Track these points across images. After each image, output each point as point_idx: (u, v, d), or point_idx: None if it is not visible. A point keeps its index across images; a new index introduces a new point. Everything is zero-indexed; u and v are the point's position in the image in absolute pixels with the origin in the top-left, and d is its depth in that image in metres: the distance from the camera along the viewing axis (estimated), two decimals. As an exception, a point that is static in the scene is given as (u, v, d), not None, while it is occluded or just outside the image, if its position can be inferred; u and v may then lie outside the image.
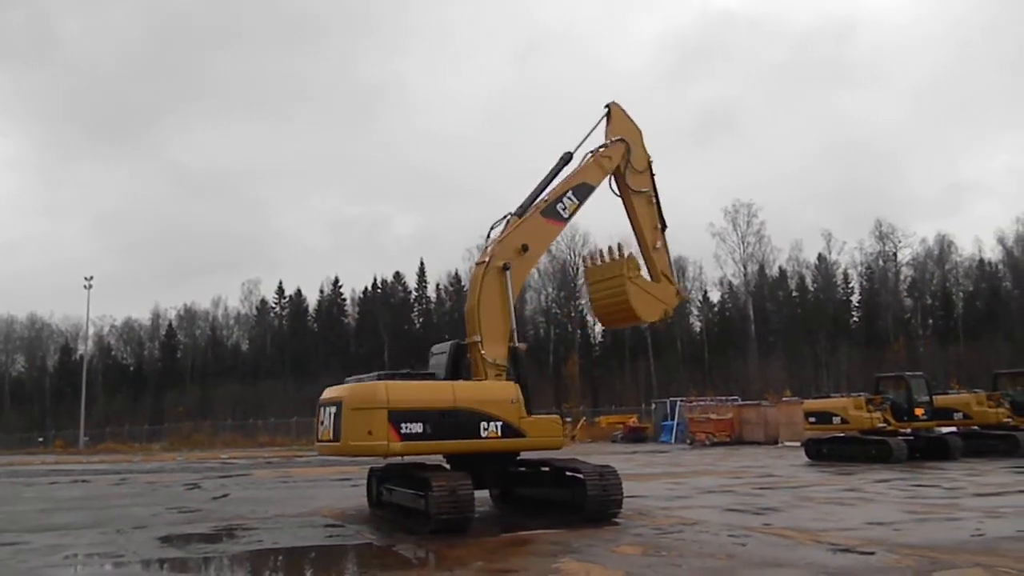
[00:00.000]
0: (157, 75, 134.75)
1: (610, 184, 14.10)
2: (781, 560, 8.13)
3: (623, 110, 14.44)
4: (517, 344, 12.31)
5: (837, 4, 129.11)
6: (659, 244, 14.15)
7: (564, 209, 13.24)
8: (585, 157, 13.81)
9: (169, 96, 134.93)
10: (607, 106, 14.37)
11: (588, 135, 14.06)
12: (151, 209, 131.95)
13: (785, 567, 7.76)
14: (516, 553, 9.07)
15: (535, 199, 13.23)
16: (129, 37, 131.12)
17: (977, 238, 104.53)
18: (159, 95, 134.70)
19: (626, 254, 13.86)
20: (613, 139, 14.04)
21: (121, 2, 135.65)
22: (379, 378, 11.57)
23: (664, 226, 14.32)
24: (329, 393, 12.18)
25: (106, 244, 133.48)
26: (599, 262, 14.13)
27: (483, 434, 11.17)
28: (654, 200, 14.33)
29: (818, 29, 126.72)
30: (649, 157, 14.41)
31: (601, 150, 13.92)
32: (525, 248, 12.72)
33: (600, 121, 14.31)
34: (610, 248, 14.05)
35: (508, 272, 12.44)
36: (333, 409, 11.44)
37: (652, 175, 14.41)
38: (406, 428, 10.85)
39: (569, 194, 13.31)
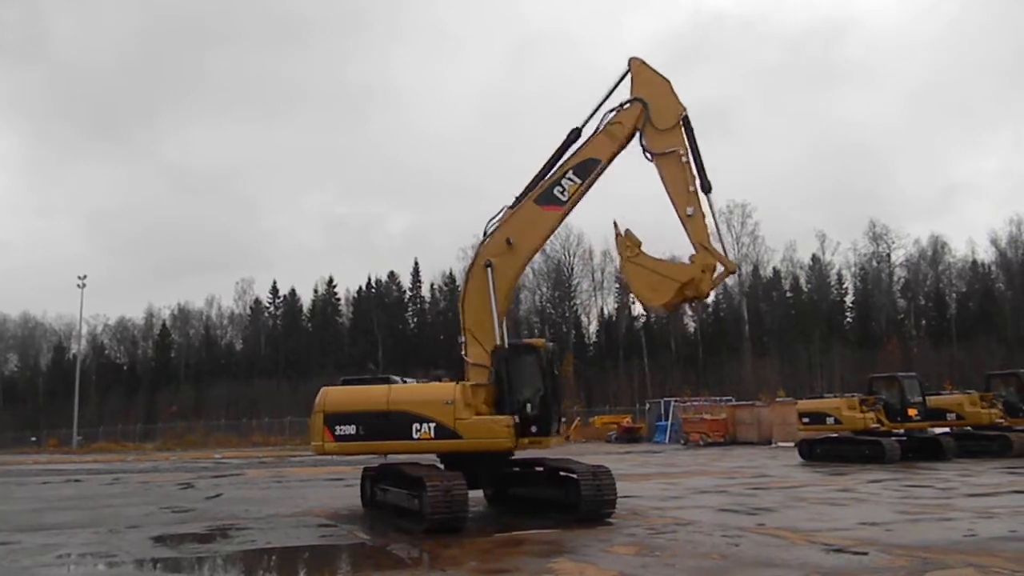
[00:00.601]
0: (150, 74, 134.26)
1: (643, 151, 12.40)
2: (775, 560, 8.15)
3: (645, 64, 12.70)
4: (499, 343, 12.00)
5: (829, 5, 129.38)
6: (691, 210, 11.82)
7: (563, 192, 12.32)
8: (596, 129, 12.59)
9: (163, 95, 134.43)
10: (629, 62, 12.77)
11: (603, 102, 12.70)
12: (145, 208, 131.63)
13: (779, 567, 7.78)
14: (510, 553, 9.07)
15: (535, 185, 12.53)
16: (122, 36, 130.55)
17: (970, 239, 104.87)
18: (152, 94, 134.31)
19: (623, 231, 12.24)
20: (627, 101, 12.54)
21: (114, 1, 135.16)
22: (343, 383, 12.94)
23: (707, 188, 12.06)
24: None
25: (100, 243, 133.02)
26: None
27: (415, 435, 11.51)
28: (685, 159, 12.13)
29: (811, 30, 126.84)
30: (681, 109, 12.38)
31: (611, 116, 12.55)
32: (508, 243, 12.32)
33: (619, 83, 12.73)
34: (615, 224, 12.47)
35: (490, 270, 12.23)
36: None
37: (685, 129, 12.31)
38: (340, 430, 11.94)
39: (570, 174, 12.34)
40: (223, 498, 16.91)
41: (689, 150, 12.15)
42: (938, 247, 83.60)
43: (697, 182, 11.98)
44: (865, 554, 8.41)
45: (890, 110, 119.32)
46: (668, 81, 12.52)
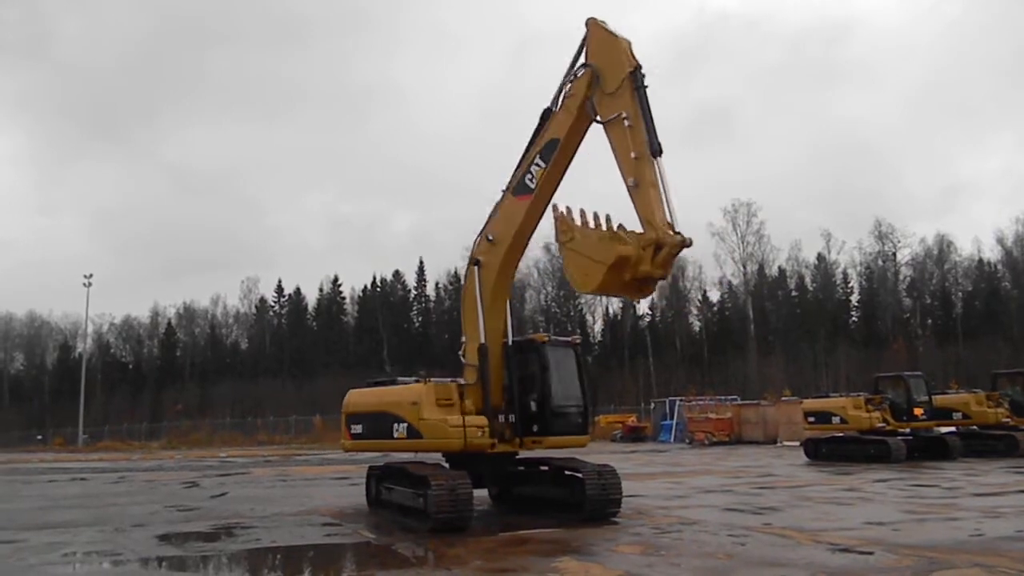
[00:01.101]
0: (153, 74, 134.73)
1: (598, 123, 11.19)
2: (780, 560, 8.12)
3: (600, 25, 11.47)
4: (483, 341, 11.95)
5: (832, 5, 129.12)
6: (632, 180, 10.30)
7: (532, 180, 11.67)
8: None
9: (166, 95, 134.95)
10: (586, 23, 11.64)
11: (567, 74, 11.73)
12: (150, 207, 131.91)
13: (785, 567, 7.75)
14: (515, 552, 9.05)
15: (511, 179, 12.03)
16: (125, 36, 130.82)
17: (976, 238, 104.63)
18: (156, 94, 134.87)
19: (564, 211, 11.12)
20: (579, 67, 11.54)
21: (117, 1, 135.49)
22: (367, 385, 13.64)
23: (656, 150, 10.34)
24: None
25: (105, 242, 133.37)
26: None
27: (395, 435, 11.98)
28: (629, 122, 10.57)
29: (813, 30, 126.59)
30: (632, 64, 10.87)
31: (568, 88, 11.64)
32: (488, 239, 12.18)
33: (580, 50, 11.64)
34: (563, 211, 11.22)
35: (477, 268, 12.23)
36: None
37: (636, 88, 10.71)
38: (353, 429, 13.27)
39: (536, 159, 11.69)
40: (228, 497, 16.93)
41: (639, 112, 10.53)
42: (944, 246, 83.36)
43: (646, 146, 10.33)
44: (871, 554, 8.38)
45: (892, 110, 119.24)
46: (621, 40, 11.15)
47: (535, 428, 11.77)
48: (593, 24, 11.49)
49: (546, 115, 11.92)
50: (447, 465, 12.11)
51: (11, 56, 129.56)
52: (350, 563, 9.22)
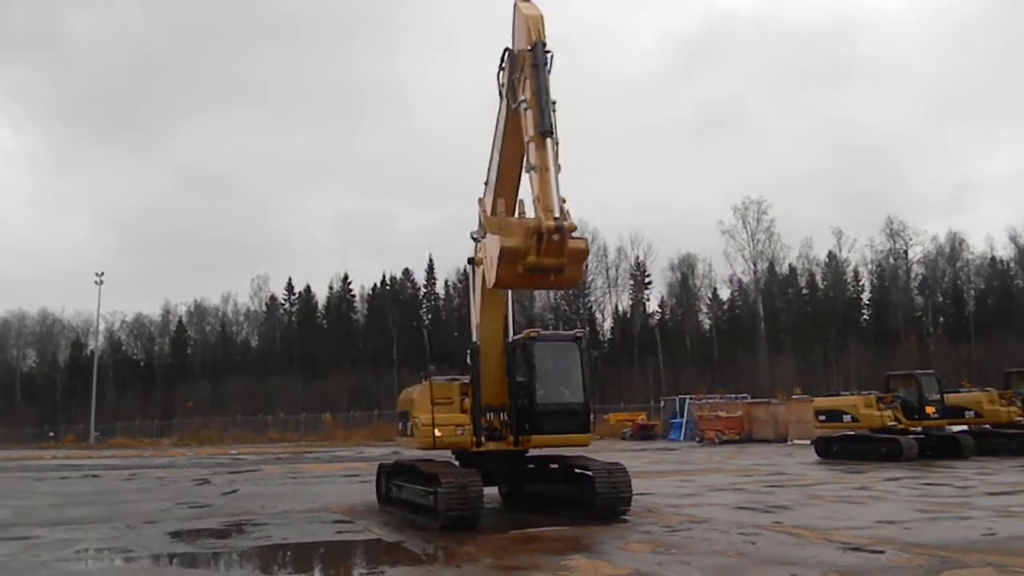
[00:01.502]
0: (165, 74, 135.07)
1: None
2: (791, 558, 8.10)
3: (520, 2, 10.91)
4: (474, 340, 12.27)
5: (840, 5, 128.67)
6: (528, 165, 9.84)
7: (497, 172, 11.58)
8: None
9: (179, 95, 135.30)
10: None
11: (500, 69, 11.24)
12: (161, 206, 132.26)
13: (795, 565, 7.73)
14: (525, 550, 9.06)
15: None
16: (136, 36, 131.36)
17: (989, 236, 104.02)
18: (169, 94, 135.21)
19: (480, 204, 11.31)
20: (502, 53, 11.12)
21: (129, 3, 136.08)
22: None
23: (546, 131, 9.74)
24: None
25: (117, 240, 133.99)
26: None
27: (409, 432, 12.53)
28: (526, 106, 10.08)
29: (823, 28, 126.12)
30: (533, 39, 10.28)
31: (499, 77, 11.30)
32: (471, 236, 12.00)
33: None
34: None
35: (472, 267, 12.39)
36: None
37: (535, 66, 10.14)
38: (400, 426, 13.62)
39: (494, 155, 11.61)
40: (239, 494, 16.99)
41: (535, 91, 9.94)
42: (956, 244, 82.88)
43: (537, 128, 9.76)
44: (882, 552, 8.35)
45: (902, 108, 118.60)
46: (530, 14, 10.53)
47: (527, 427, 11.84)
48: (515, 4, 10.93)
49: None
50: (457, 463, 12.13)
51: (24, 55, 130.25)
52: (361, 560, 9.25)
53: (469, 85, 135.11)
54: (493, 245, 9.58)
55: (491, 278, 9.75)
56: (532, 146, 9.76)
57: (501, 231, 9.61)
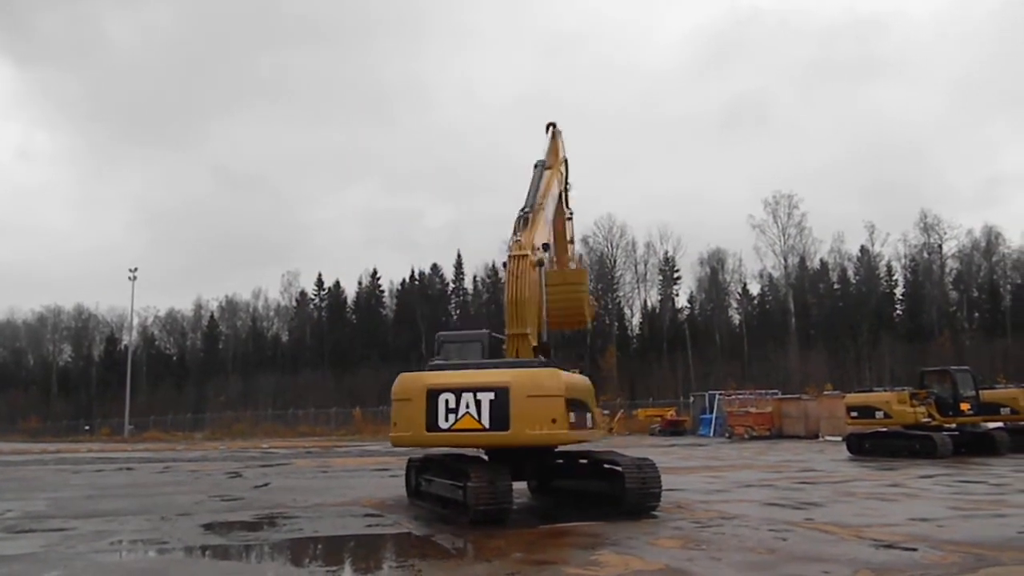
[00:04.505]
0: (199, 76, 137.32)
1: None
2: (823, 555, 8.03)
3: (561, 133, 16.20)
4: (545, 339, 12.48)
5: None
6: (572, 257, 16.89)
7: (551, 214, 14.57)
8: (536, 169, 14.80)
9: (210, 96, 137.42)
10: (549, 125, 16.03)
11: (549, 150, 15.57)
12: (194, 203, 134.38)
13: (827, 562, 7.66)
14: (555, 545, 9.06)
15: (533, 201, 13.78)
16: (172, 40, 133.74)
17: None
18: (201, 95, 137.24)
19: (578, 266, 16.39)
20: (561, 159, 15.86)
21: (165, 5, 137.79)
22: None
23: (573, 242, 17.09)
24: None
25: (150, 237, 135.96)
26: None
27: None
28: (571, 219, 16.68)
29: (852, 22, 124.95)
30: (570, 183, 16.61)
31: (556, 166, 15.36)
32: (545, 247, 13.18)
33: (548, 139, 15.85)
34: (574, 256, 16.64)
35: (541, 268, 12.57)
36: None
37: (570, 198, 16.62)
38: None
39: (550, 202, 14.51)
40: (271, 487, 17.15)
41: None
42: (992, 237, 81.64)
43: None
44: (915, 550, 8.25)
45: (931, 102, 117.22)
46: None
47: None
48: (557, 130, 16.14)
49: (542, 165, 14.87)
50: (486, 458, 12.14)
51: (63, 60, 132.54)
52: (391, 553, 9.29)
53: (493, 84, 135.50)
54: (590, 312, 15.70)
55: (591, 317, 15.95)
56: (571, 247, 17.10)
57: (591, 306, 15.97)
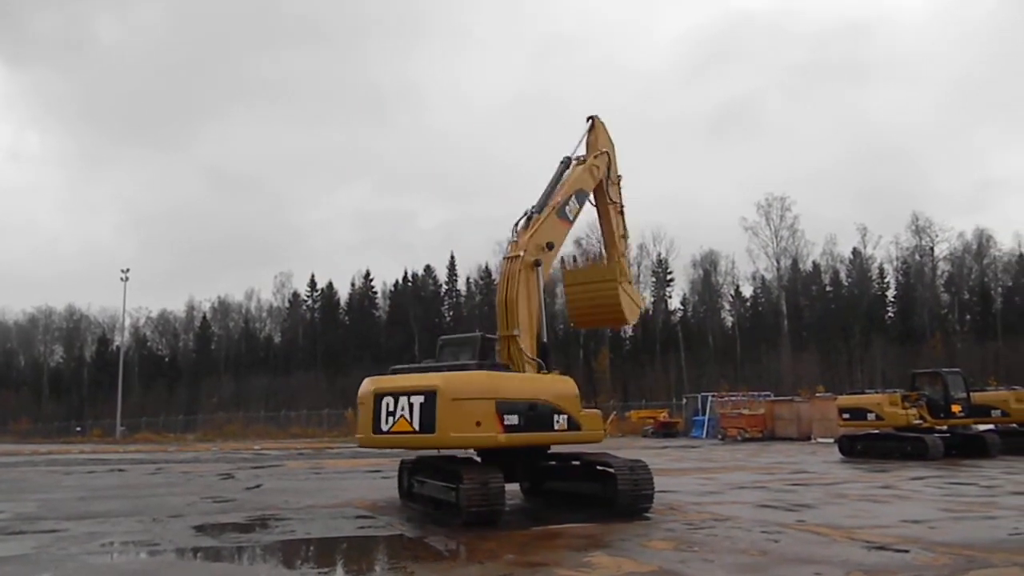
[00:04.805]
0: (190, 77, 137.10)
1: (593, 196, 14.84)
2: (815, 557, 8.05)
3: (604, 124, 15.22)
4: (545, 340, 12.47)
5: (857, 4, 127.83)
6: (625, 252, 15.45)
7: (570, 211, 13.77)
8: (572, 166, 14.42)
9: (202, 96, 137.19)
10: (590, 118, 15.21)
11: (580, 143, 14.94)
12: (186, 204, 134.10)
13: (819, 564, 7.68)
14: (547, 546, 9.06)
15: (547, 200, 13.54)
16: (163, 40, 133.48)
17: (1017, 232, 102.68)
18: (192, 96, 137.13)
19: (608, 260, 15.15)
20: (599, 151, 14.83)
21: (155, 7, 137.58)
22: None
23: (626, 236, 15.66)
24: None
25: (143, 237, 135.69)
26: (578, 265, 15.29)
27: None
28: (622, 212, 15.59)
29: (843, 26, 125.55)
30: (620, 173, 15.57)
31: (589, 160, 14.55)
32: (550, 246, 12.96)
33: (585, 133, 15.13)
34: (593, 254, 15.58)
35: (539, 268, 12.57)
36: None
37: (620, 189, 15.61)
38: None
39: (572, 199, 13.84)
40: (263, 489, 17.11)
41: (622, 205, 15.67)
42: (983, 240, 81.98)
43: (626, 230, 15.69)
44: (907, 552, 8.28)
45: (922, 106, 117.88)
46: (615, 147, 15.47)
47: None
48: (599, 122, 15.22)
49: (566, 162, 14.48)
50: (479, 459, 12.14)
51: (53, 60, 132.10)
52: (383, 555, 9.28)
53: (486, 87, 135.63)
54: (639, 299, 15.92)
55: (635, 316, 15.58)
56: (624, 241, 15.60)
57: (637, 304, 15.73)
